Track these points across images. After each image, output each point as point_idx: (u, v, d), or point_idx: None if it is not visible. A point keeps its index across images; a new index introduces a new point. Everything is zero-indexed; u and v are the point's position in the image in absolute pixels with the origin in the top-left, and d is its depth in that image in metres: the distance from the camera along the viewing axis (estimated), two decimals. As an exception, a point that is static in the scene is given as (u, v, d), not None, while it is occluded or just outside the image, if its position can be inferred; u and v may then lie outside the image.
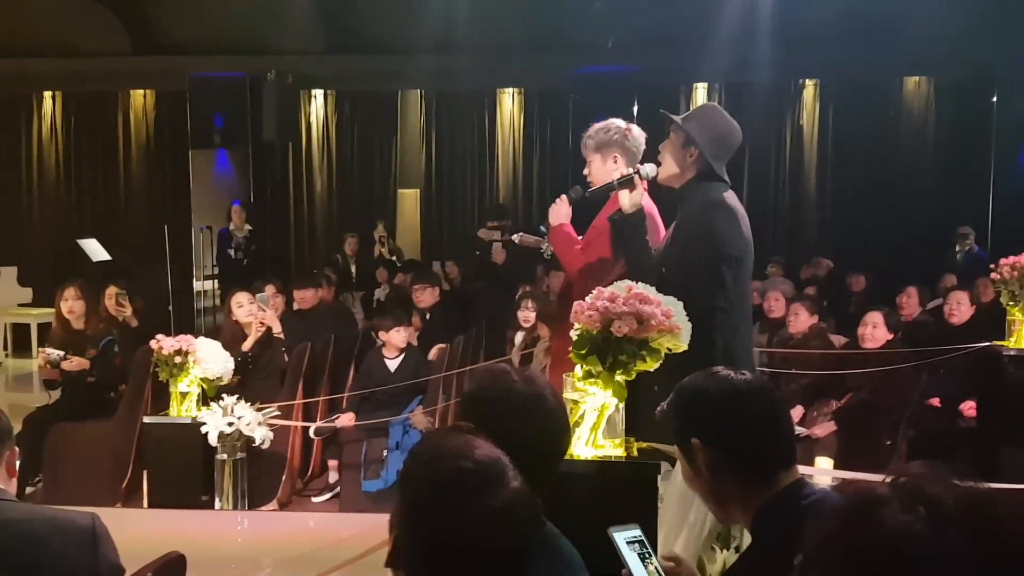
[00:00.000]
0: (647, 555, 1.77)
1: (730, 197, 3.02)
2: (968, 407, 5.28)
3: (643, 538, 1.78)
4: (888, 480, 0.97)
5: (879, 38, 10.17)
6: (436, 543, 1.21)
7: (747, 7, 9.66)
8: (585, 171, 3.51)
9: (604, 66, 10.20)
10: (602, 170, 3.41)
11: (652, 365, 2.28)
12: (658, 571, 1.78)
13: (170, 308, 9.37)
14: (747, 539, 2.33)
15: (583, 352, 2.27)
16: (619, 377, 2.26)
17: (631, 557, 1.74)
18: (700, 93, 11.10)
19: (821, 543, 0.97)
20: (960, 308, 6.14)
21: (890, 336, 5.63)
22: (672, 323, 2.23)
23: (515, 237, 3.96)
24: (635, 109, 10.17)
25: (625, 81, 10.17)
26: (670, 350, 2.32)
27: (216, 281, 10.64)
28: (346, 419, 5.35)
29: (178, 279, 10.48)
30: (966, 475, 0.96)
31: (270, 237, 10.94)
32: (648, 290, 2.36)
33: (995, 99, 10.94)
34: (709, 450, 1.69)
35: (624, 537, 1.77)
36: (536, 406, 1.76)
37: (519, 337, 5.90)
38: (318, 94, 11.54)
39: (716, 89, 11.13)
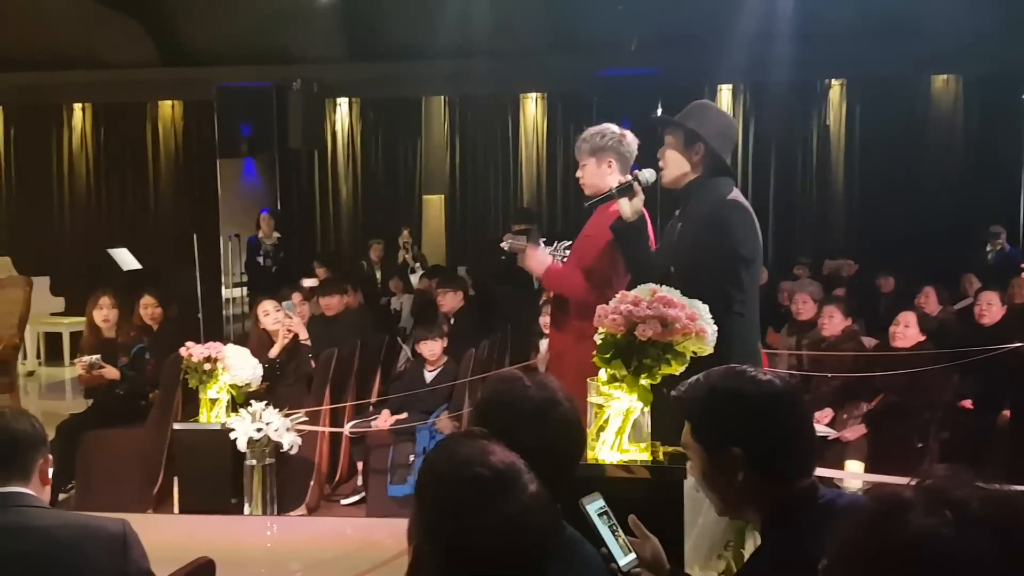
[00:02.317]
0: (615, 527, 1.77)
1: (739, 194, 3.01)
2: (1004, 410, 5.21)
3: (608, 509, 1.78)
4: (913, 483, 0.96)
5: (905, 36, 10.07)
6: (455, 550, 1.21)
7: (770, 6, 9.61)
8: (578, 173, 3.53)
9: (627, 68, 10.19)
10: (596, 174, 3.43)
11: (678, 369, 2.28)
12: (626, 544, 1.77)
13: (199, 316, 9.51)
14: (756, 541, 2.32)
15: (607, 356, 2.26)
16: (644, 381, 2.25)
17: (604, 530, 1.75)
18: (725, 94, 11.04)
19: (846, 546, 0.96)
20: (991, 309, 6.06)
21: (922, 338, 5.56)
22: (697, 326, 2.22)
23: (504, 244, 3.94)
24: (659, 111, 10.15)
25: (648, 83, 10.14)
26: (695, 353, 2.32)
27: (245, 288, 10.77)
28: (384, 417, 5.39)
29: (207, 286, 10.63)
30: (992, 478, 0.95)
31: (298, 244, 11.02)
32: (672, 293, 2.35)
33: (1025, 96, 10.80)
34: (743, 453, 1.66)
35: (594, 509, 1.76)
36: (549, 410, 1.77)
37: (544, 344, 5.89)
38: (343, 102, 11.63)
39: (741, 90, 11.07)
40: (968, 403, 5.61)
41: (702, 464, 1.72)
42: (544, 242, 3.69)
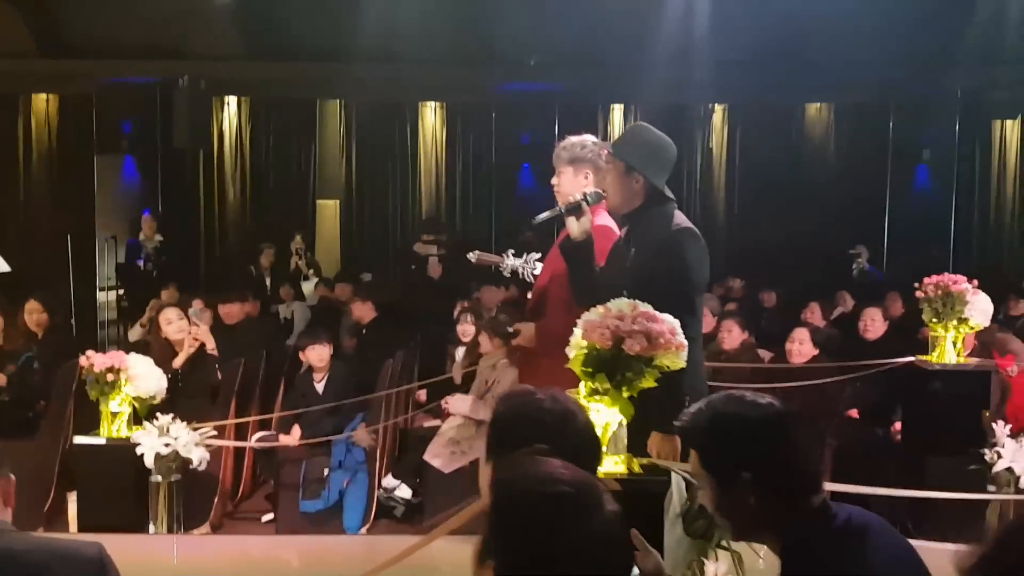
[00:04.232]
0: None
1: (684, 218, 3.09)
2: (895, 422, 5.54)
3: None
4: None
5: (783, 64, 10.62)
6: (542, 570, 1.20)
7: (663, 31, 9.93)
8: (554, 181, 3.55)
9: (527, 83, 10.31)
10: (572, 183, 3.46)
11: (651, 383, 2.33)
12: None
13: (72, 322, 8.96)
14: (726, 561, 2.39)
15: (590, 370, 2.29)
16: (625, 394, 2.30)
17: None
18: (617, 114, 11.33)
19: (1003, 563, 0.99)
20: (875, 324, 6.46)
21: (816, 351, 5.88)
22: (678, 340, 2.28)
23: (472, 256, 3.95)
24: (556, 127, 10.34)
25: (547, 99, 10.32)
26: (667, 367, 2.37)
27: (117, 293, 10.23)
28: (294, 435, 5.21)
29: (80, 291, 10.04)
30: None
31: (181, 248, 10.54)
32: (648, 307, 2.40)
33: (891, 125, 11.60)
34: (753, 477, 1.69)
35: None
36: (567, 423, 1.78)
37: (460, 353, 5.88)
38: (232, 100, 11.23)
39: (632, 110, 11.39)
40: (855, 413, 5.96)
41: (713, 492, 1.74)
42: (512, 254, 3.68)
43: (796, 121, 11.92)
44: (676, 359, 2.31)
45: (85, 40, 10.20)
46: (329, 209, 11.47)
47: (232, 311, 6.49)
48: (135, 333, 6.79)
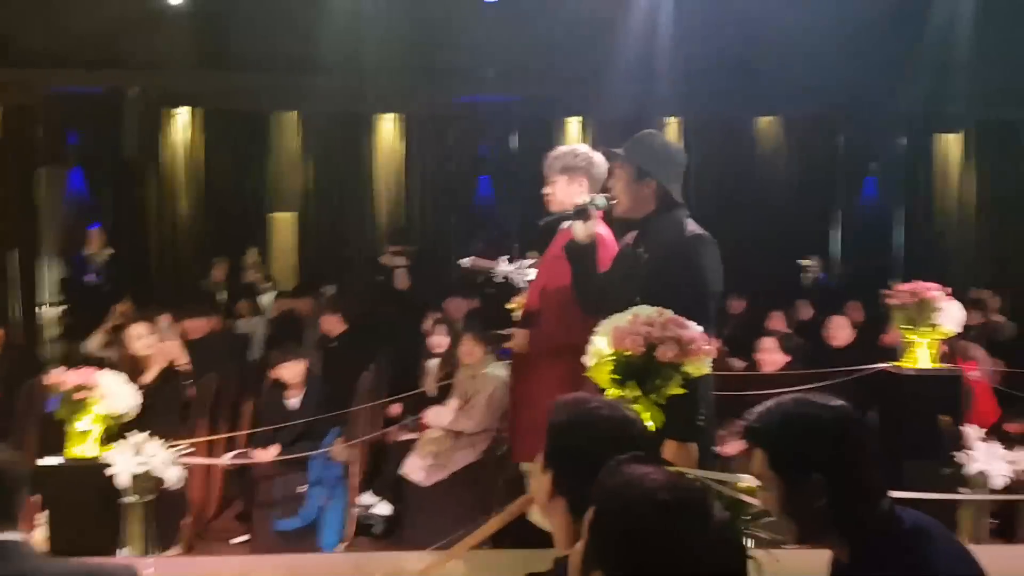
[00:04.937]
0: None
1: (696, 225, 3.11)
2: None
3: None
4: None
5: (736, 78, 10.83)
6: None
7: (621, 46, 10.06)
8: (547, 190, 3.57)
9: (485, 95, 10.31)
10: (566, 191, 3.49)
11: (679, 389, 2.32)
12: None
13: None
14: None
15: (618, 377, 2.27)
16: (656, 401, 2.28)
17: None
18: (573, 126, 11.39)
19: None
20: (841, 332, 6.60)
21: (788, 358, 5.96)
22: (708, 347, 2.28)
23: (465, 262, 3.93)
24: (515, 139, 10.36)
25: (505, 111, 10.33)
26: (691, 374, 2.37)
27: (62, 309, 9.89)
28: (271, 451, 5.08)
29: (26, 307, 9.70)
30: None
31: (131, 262, 10.24)
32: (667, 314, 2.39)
33: (840, 138, 11.91)
34: (824, 479, 1.68)
35: None
36: (627, 429, 1.76)
37: (433, 364, 5.81)
38: (183, 111, 10.97)
39: (588, 123, 11.47)
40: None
41: (780, 493, 1.72)
42: (508, 259, 3.66)
43: (748, 134, 12.13)
44: (702, 366, 2.31)
45: (30, 49, 9.88)
46: (284, 222, 11.27)
47: (197, 326, 6.33)
48: (94, 343, 6.55)
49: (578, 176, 3.49)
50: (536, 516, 3.08)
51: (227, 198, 11.19)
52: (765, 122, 12.29)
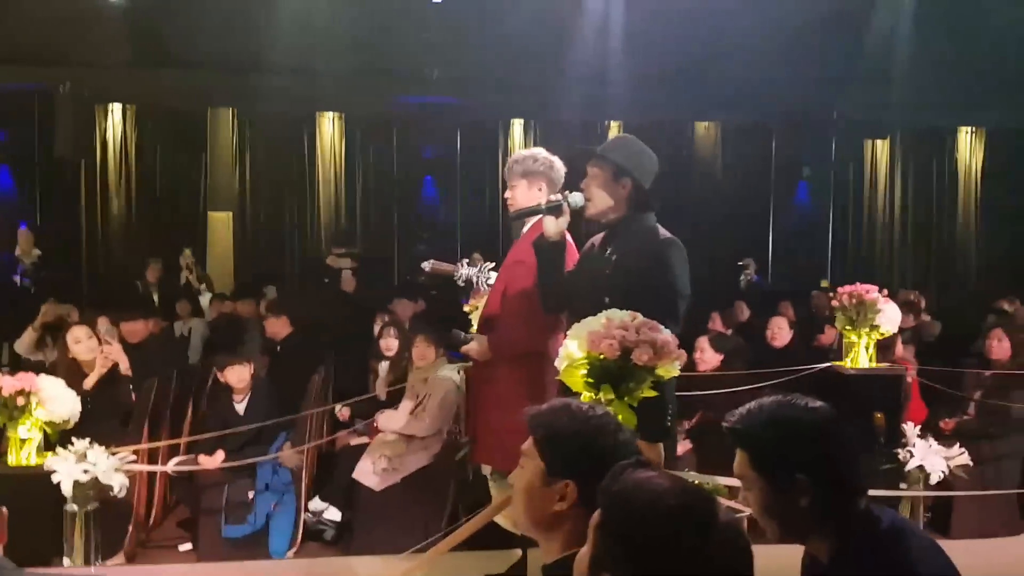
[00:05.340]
0: None
1: (665, 230, 3.16)
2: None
3: None
4: None
5: (675, 84, 11.02)
6: None
7: (565, 50, 10.13)
8: (507, 194, 3.60)
9: (428, 96, 10.28)
10: (526, 195, 3.52)
11: (650, 392, 2.36)
12: None
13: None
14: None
15: (592, 380, 2.29)
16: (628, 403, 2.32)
17: None
18: (517, 129, 11.44)
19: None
20: (781, 332, 6.76)
21: (720, 356, 6.08)
22: (680, 351, 2.32)
23: (426, 265, 3.92)
24: (457, 140, 10.35)
25: (448, 112, 10.32)
26: (662, 377, 2.41)
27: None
28: (217, 457, 4.97)
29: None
30: None
31: (61, 263, 9.92)
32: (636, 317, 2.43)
33: (774, 143, 12.22)
34: (808, 479, 1.72)
35: None
36: (618, 433, 1.76)
37: (383, 367, 5.77)
38: (116, 108, 10.68)
39: (532, 126, 11.53)
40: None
41: (763, 493, 1.75)
42: (467, 263, 3.66)
43: (687, 138, 12.36)
44: (672, 368, 2.36)
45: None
46: (221, 221, 11.05)
47: (136, 329, 6.14)
48: (23, 345, 6.29)
49: (538, 180, 3.53)
50: (503, 519, 3.08)
51: (162, 197, 10.94)
52: (703, 127, 12.55)
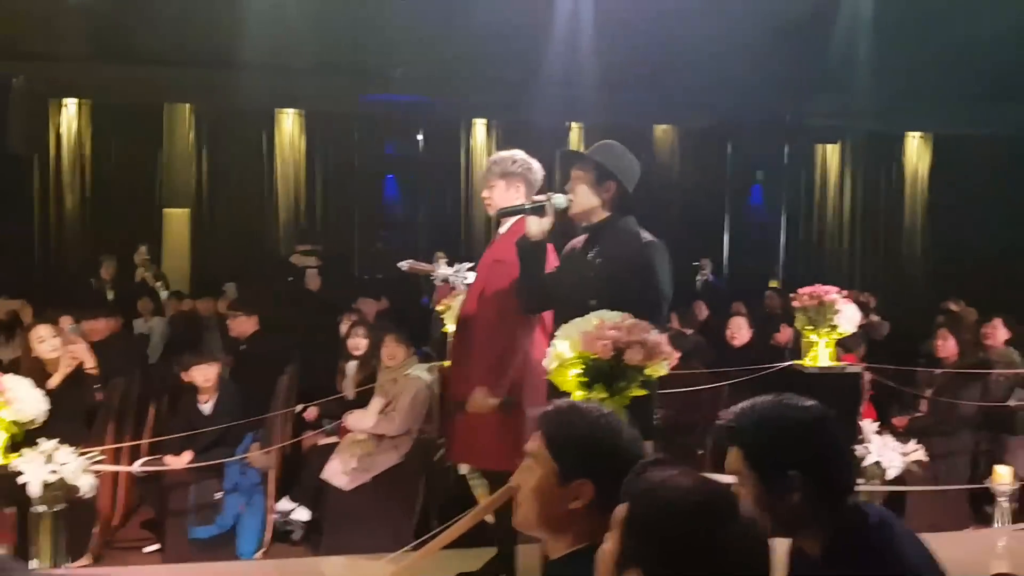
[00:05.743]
0: None
1: (648, 233, 3.23)
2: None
3: None
4: None
5: (635, 88, 11.16)
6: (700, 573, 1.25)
7: (528, 52, 10.20)
8: (485, 194, 3.62)
9: (391, 94, 10.26)
10: (504, 196, 3.55)
11: (641, 391, 2.43)
12: None
13: None
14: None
15: (586, 380, 2.35)
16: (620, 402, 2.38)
17: None
18: (480, 128, 11.48)
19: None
20: (741, 332, 6.91)
21: (678, 353, 6.20)
22: (671, 350, 2.39)
23: (403, 265, 3.94)
24: (420, 138, 10.34)
25: (411, 110, 10.32)
26: (651, 377, 2.48)
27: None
28: (184, 457, 4.93)
29: None
30: None
31: (13, 260, 9.70)
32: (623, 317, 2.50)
33: (729, 147, 12.45)
34: (800, 475, 1.79)
35: None
36: (622, 433, 1.81)
37: (351, 366, 5.76)
38: (71, 103, 10.46)
39: (494, 126, 11.57)
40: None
41: (756, 489, 1.81)
42: (445, 263, 3.68)
43: (646, 141, 12.52)
44: (662, 368, 2.43)
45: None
46: (177, 218, 10.89)
47: (97, 327, 6.07)
48: None
49: (516, 181, 3.56)
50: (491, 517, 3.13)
51: (117, 193, 10.74)
52: (661, 130, 12.72)
